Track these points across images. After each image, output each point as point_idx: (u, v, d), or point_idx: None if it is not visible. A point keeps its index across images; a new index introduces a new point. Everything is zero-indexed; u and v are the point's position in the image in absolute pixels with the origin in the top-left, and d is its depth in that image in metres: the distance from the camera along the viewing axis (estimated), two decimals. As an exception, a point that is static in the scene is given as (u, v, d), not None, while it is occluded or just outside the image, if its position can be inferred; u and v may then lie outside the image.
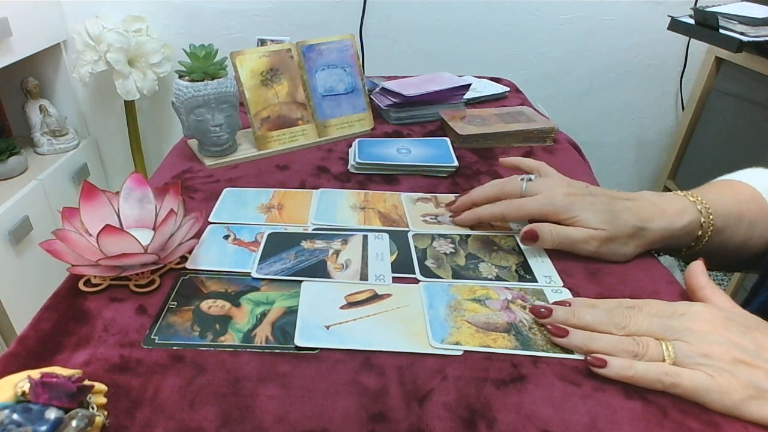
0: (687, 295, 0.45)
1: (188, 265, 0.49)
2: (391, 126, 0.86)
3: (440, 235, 0.55)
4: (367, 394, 0.36)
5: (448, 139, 0.75)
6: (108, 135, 1.61)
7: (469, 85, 0.89)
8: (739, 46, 1.03)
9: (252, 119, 0.73)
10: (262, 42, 1.09)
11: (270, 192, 0.64)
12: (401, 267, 0.50)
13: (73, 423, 0.29)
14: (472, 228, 0.56)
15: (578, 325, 0.40)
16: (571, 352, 0.40)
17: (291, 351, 0.40)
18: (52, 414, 0.28)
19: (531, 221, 0.52)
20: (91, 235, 0.46)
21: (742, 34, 1.04)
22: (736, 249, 0.52)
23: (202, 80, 0.67)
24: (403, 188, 0.65)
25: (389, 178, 0.68)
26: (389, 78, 1.01)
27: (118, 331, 0.41)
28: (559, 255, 0.52)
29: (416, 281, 0.48)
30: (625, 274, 0.49)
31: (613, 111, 1.59)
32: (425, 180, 0.68)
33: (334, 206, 0.60)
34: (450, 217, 0.57)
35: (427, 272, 0.49)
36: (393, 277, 0.48)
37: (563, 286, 0.47)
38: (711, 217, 0.49)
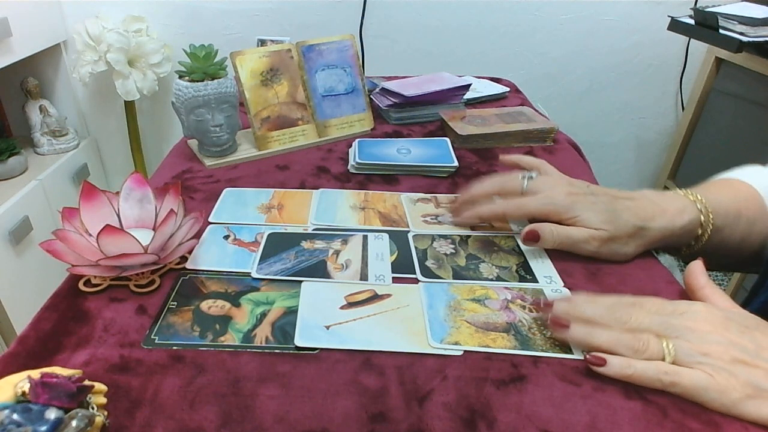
0: (687, 295, 0.45)
1: (188, 265, 0.49)
2: (391, 126, 0.86)
3: (440, 236, 0.55)
4: (367, 394, 0.36)
5: (448, 140, 0.75)
6: (108, 135, 1.61)
7: (469, 85, 0.89)
8: (739, 47, 1.03)
9: (252, 119, 0.73)
10: (262, 42, 1.09)
11: (270, 192, 0.64)
12: (401, 267, 0.50)
13: (73, 423, 0.29)
14: (472, 228, 0.56)
15: (579, 318, 0.40)
16: (571, 352, 0.40)
17: (291, 351, 0.40)
18: (52, 414, 0.28)
19: (531, 221, 0.52)
20: (91, 235, 0.46)
21: (742, 34, 1.04)
22: (735, 247, 0.52)
23: (202, 80, 0.67)
24: (403, 188, 0.65)
25: (389, 178, 0.68)
26: (389, 78, 1.01)
27: (118, 331, 0.41)
28: (559, 255, 0.52)
29: (416, 281, 0.48)
30: (625, 274, 0.49)
31: (613, 111, 1.59)
32: (425, 180, 0.68)
33: (334, 206, 0.60)
34: (451, 217, 0.57)
35: (427, 273, 0.49)
36: (393, 278, 0.48)
37: (563, 286, 0.47)
38: (711, 215, 0.49)
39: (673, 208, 0.50)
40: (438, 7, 1.43)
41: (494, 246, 0.53)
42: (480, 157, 0.75)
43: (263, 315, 0.43)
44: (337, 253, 0.51)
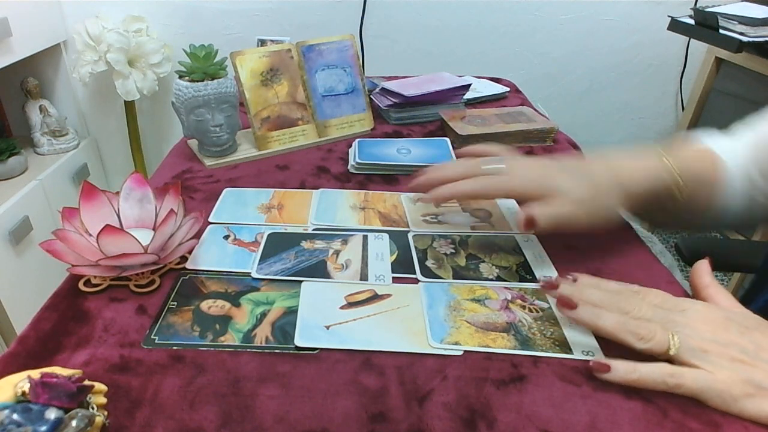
0: (687, 295, 0.45)
1: (188, 265, 0.49)
2: (391, 126, 0.86)
3: (440, 236, 0.55)
4: (367, 394, 0.36)
5: (448, 140, 0.75)
6: (108, 135, 1.61)
7: (469, 85, 0.89)
8: (739, 47, 1.03)
9: (252, 119, 0.73)
10: (262, 42, 1.09)
11: (270, 192, 0.64)
12: (401, 267, 0.50)
13: (73, 423, 0.29)
14: (472, 228, 0.56)
15: (583, 302, 0.40)
16: (571, 352, 0.40)
17: (291, 351, 0.40)
18: (52, 414, 0.28)
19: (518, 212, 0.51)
20: (91, 235, 0.46)
21: (742, 34, 1.04)
22: (701, 211, 0.53)
23: (202, 80, 0.67)
24: (403, 188, 0.65)
25: (389, 178, 0.68)
26: (389, 78, 1.01)
27: (118, 331, 0.41)
28: (559, 255, 0.52)
29: (416, 281, 0.48)
30: (625, 274, 0.49)
31: (613, 111, 1.59)
32: (425, 180, 0.68)
33: (334, 206, 0.60)
34: (414, 198, 0.54)
35: (427, 273, 0.49)
36: (393, 278, 0.48)
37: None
38: (681, 177, 0.50)
39: (646, 167, 0.50)
40: (438, 7, 1.43)
41: (494, 246, 0.53)
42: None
43: (263, 315, 0.43)
44: (337, 253, 0.51)
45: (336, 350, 0.40)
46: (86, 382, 0.31)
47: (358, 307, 0.44)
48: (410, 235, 0.55)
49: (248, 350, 0.40)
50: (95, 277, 0.47)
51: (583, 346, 0.40)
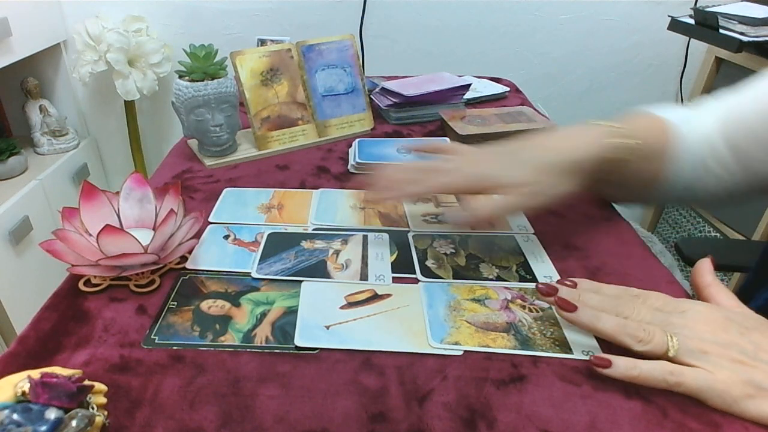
0: (687, 295, 0.45)
1: (188, 265, 0.49)
2: (391, 126, 0.86)
3: (440, 236, 0.55)
4: (367, 394, 0.36)
5: (448, 140, 0.75)
6: (108, 135, 1.61)
7: (469, 85, 0.89)
8: (739, 46, 1.03)
9: (252, 119, 0.73)
10: (262, 42, 1.09)
11: (270, 192, 0.64)
12: (401, 267, 0.50)
13: (73, 423, 0.29)
14: (472, 228, 0.56)
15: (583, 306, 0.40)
16: (571, 352, 0.40)
17: (291, 351, 0.40)
18: (52, 414, 0.28)
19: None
20: (91, 235, 0.46)
21: (742, 34, 1.04)
22: (650, 179, 0.54)
23: (202, 80, 0.67)
24: (403, 188, 0.65)
25: (389, 178, 0.68)
26: (389, 78, 1.01)
27: (118, 331, 0.41)
28: (559, 255, 0.52)
29: (416, 281, 0.48)
30: (624, 274, 0.49)
31: (613, 111, 1.58)
32: (425, 180, 0.68)
33: (334, 206, 0.60)
34: (363, 201, 0.52)
35: (427, 272, 0.49)
36: (393, 277, 0.48)
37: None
38: (631, 140, 0.50)
39: (587, 138, 0.49)
40: (438, 7, 1.43)
41: (494, 246, 0.53)
42: (480, 157, 0.74)
43: (263, 315, 0.43)
44: (337, 253, 0.51)
45: (336, 350, 0.40)
46: (86, 382, 0.31)
47: (358, 307, 0.44)
48: (410, 235, 0.55)
49: (248, 350, 0.40)
50: (95, 277, 0.47)
51: (583, 346, 0.40)
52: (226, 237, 0.54)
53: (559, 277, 0.48)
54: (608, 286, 0.42)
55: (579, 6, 1.42)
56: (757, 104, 0.49)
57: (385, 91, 0.88)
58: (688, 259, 0.74)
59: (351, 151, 0.74)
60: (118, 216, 0.50)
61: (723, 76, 1.34)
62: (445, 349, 0.40)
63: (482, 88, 1.02)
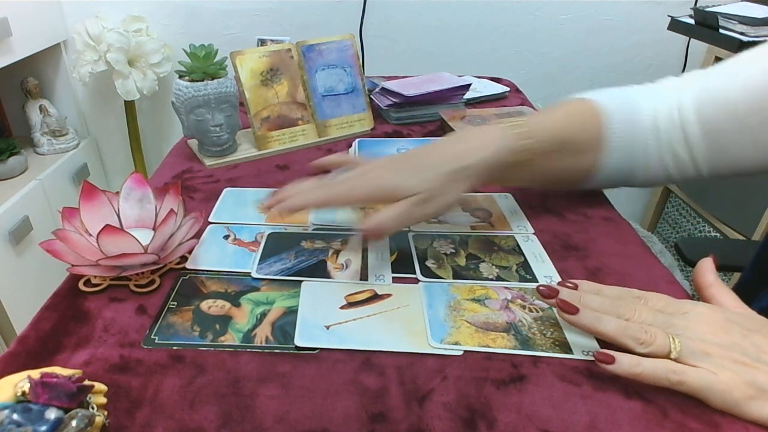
0: (687, 295, 0.45)
1: (188, 265, 0.49)
2: (391, 126, 0.86)
3: (440, 236, 0.55)
4: (367, 394, 0.36)
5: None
6: (108, 135, 1.61)
7: (469, 85, 0.89)
8: (739, 46, 1.03)
9: (252, 119, 0.73)
10: (262, 42, 1.09)
11: (270, 192, 0.63)
12: (401, 267, 0.50)
13: (73, 423, 0.29)
14: (472, 228, 0.56)
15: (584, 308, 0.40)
16: (571, 352, 0.40)
17: (291, 351, 0.40)
18: (52, 414, 0.28)
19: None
20: (91, 235, 0.46)
21: (742, 34, 1.04)
22: (569, 169, 0.54)
23: (202, 80, 0.67)
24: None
25: (389, 178, 0.68)
26: (389, 78, 1.01)
27: (118, 331, 0.41)
28: (559, 255, 0.52)
29: (416, 281, 0.48)
30: (625, 274, 0.49)
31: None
32: (425, 180, 0.68)
33: (334, 206, 0.60)
34: (263, 209, 0.51)
35: (427, 272, 0.49)
36: (393, 277, 0.48)
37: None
38: (531, 141, 0.50)
39: (483, 141, 0.49)
40: (438, 7, 1.43)
41: (494, 246, 0.53)
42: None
43: (263, 315, 0.43)
44: (337, 252, 0.51)
45: (336, 350, 0.40)
46: (86, 382, 0.31)
47: (358, 307, 0.44)
48: (410, 235, 0.55)
49: (248, 350, 0.40)
50: (95, 277, 0.47)
51: (583, 346, 0.40)
52: (226, 237, 0.54)
53: (559, 277, 0.48)
54: (609, 287, 0.42)
55: (579, 6, 1.42)
56: (739, 83, 0.48)
57: (385, 91, 0.88)
58: (688, 259, 0.74)
59: (351, 151, 0.74)
60: (118, 216, 0.50)
61: (723, 76, 1.34)
62: (445, 349, 0.40)
63: (482, 88, 1.02)
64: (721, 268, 1.05)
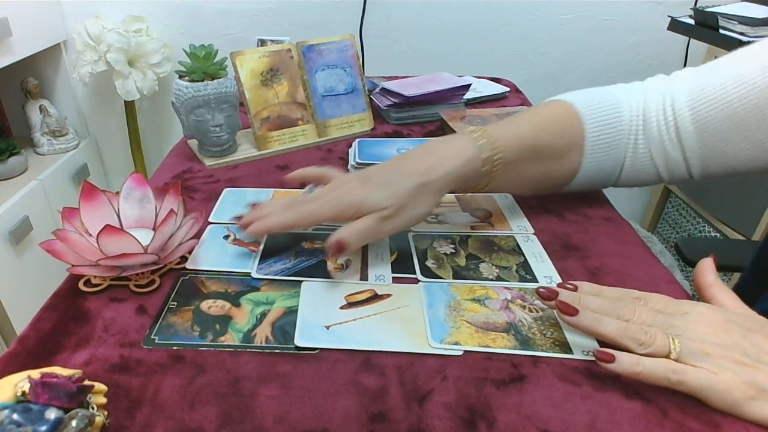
0: (687, 295, 0.45)
1: (188, 265, 0.49)
2: (391, 126, 0.86)
3: (440, 236, 0.55)
4: (367, 394, 0.36)
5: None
6: (108, 135, 1.61)
7: (469, 85, 0.89)
8: (739, 47, 1.02)
9: (252, 119, 0.73)
10: (262, 42, 1.09)
11: (270, 192, 0.64)
12: (401, 267, 0.50)
13: (73, 423, 0.29)
14: (472, 228, 0.56)
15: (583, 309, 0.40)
16: (571, 352, 0.40)
17: (291, 351, 0.40)
18: (52, 414, 0.28)
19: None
20: (91, 235, 0.46)
21: (742, 34, 1.04)
22: (542, 175, 0.54)
23: (202, 80, 0.67)
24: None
25: (389, 178, 0.68)
26: (389, 78, 1.01)
27: (118, 331, 0.41)
28: (559, 255, 0.52)
29: (416, 281, 0.48)
30: (625, 275, 0.49)
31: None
32: (425, 180, 0.68)
33: (334, 206, 0.60)
34: (239, 229, 0.51)
35: (427, 273, 0.49)
36: (393, 278, 0.48)
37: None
38: (496, 150, 0.50)
39: (450, 152, 0.49)
40: (438, 7, 1.43)
41: (494, 246, 0.53)
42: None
43: (263, 315, 0.43)
44: (337, 253, 0.51)
45: (336, 350, 0.40)
46: (86, 382, 0.31)
47: (358, 307, 0.44)
48: (410, 235, 0.55)
49: (248, 350, 0.40)
50: (95, 277, 0.47)
51: (583, 347, 0.40)
52: (226, 237, 0.54)
53: (559, 277, 0.48)
54: (609, 288, 0.42)
55: (579, 6, 1.42)
56: (736, 80, 0.48)
57: (385, 91, 0.88)
58: (688, 259, 0.74)
59: (351, 151, 0.74)
60: (118, 216, 0.50)
61: (723, 76, 1.34)
62: (445, 349, 0.40)
63: (482, 88, 1.02)
64: (721, 268, 1.05)
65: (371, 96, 0.89)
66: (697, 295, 0.44)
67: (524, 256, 0.52)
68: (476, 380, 0.37)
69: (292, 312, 0.44)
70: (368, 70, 1.47)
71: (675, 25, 1.21)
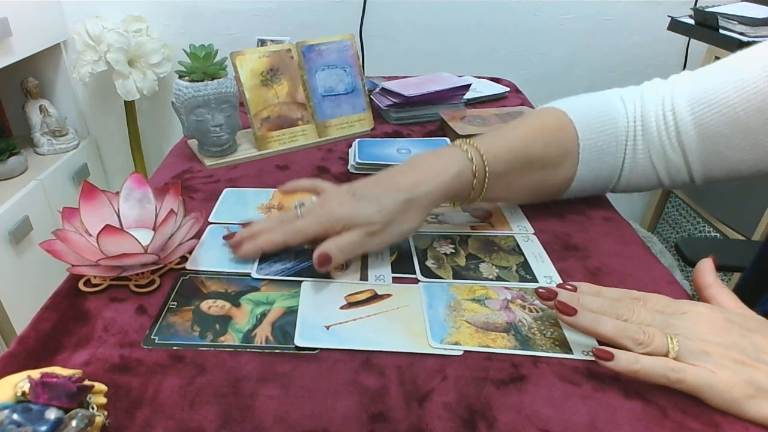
0: (687, 295, 0.45)
1: (188, 265, 0.49)
2: (391, 126, 0.86)
3: (440, 236, 0.55)
4: (367, 394, 0.36)
5: (448, 140, 0.75)
6: (108, 135, 1.61)
7: (469, 85, 0.89)
8: (738, 47, 1.03)
9: (252, 119, 0.73)
10: (262, 42, 1.09)
11: (270, 192, 0.64)
12: (401, 267, 0.50)
13: (73, 423, 0.29)
14: (472, 228, 0.56)
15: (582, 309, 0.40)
16: (571, 352, 0.40)
17: (291, 351, 0.40)
18: (52, 414, 0.28)
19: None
20: (91, 235, 0.46)
21: (742, 34, 1.04)
22: (535, 185, 0.54)
23: (202, 80, 0.67)
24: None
25: (389, 178, 0.68)
26: (389, 78, 1.01)
27: (118, 331, 0.41)
28: (559, 255, 0.52)
29: (416, 281, 0.48)
30: (625, 275, 0.49)
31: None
32: (425, 180, 0.68)
33: (334, 206, 0.60)
34: (231, 251, 0.51)
35: (427, 273, 0.49)
36: (393, 278, 0.48)
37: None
38: (485, 162, 0.49)
39: (439, 166, 0.49)
40: (438, 7, 1.43)
41: (494, 246, 0.53)
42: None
43: (263, 315, 0.43)
44: (337, 253, 0.51)
45: (336, 350, 0.40)
46: (86, 382, 0.31)
47: (358, 307, 0.44)
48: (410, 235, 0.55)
49: (248, 350, 0.40)
50: (95, 277, 0.47)
51: (583, 346, 0.40)
52: (226, 237, 0.54)
53: (559, 277, 0.48)
54: (608, 288, 0.42)
55: (579, 6, 1.42)
56: (738, 84, 0.47)
57: (385, 91, 0.88)
58: (688, 259, 0.74)
59: (351, 151, 0.74)
60: (118, 216, 0.50)
61: (723, 76, 1.33)
62: (445, 349, 0.40)
63: (482, 88, 1.02)
64: (721, 269, 1.05)
65: (371, 96, 0.89)
66: (697, 295, 0.44)
67: (524, 256, 0.52)
68: (476, 380, 0.37)
69: (292, 312, 0.44)
70: (368, 70, 1.47)
71: (675, 25, 1.21)
